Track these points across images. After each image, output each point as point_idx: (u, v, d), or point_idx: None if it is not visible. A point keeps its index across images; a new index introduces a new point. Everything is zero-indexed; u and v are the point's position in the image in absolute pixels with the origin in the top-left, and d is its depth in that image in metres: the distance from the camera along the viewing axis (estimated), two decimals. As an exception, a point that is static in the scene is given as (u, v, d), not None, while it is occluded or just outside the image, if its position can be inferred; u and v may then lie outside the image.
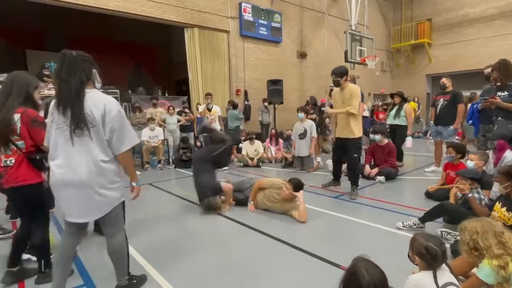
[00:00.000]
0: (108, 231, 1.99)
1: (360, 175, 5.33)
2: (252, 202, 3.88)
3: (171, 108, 7.88)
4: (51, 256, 2.35)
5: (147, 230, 3.33)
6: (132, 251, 2.79)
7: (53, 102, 1.83)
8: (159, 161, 7.15)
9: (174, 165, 7.12)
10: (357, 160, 4.42)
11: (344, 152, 4.43)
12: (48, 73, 7.32)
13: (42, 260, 2.30)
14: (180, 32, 9.70)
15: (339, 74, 4.15)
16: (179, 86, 13.55)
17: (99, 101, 1.79)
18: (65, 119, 1.75)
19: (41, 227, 2.28)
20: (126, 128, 1.87)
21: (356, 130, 4.18)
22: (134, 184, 2.05)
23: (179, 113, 8.18)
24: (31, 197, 2.15)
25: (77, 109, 1.73)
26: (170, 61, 14.62)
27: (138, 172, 6.45)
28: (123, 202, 2.02)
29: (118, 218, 1.98)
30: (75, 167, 1.76)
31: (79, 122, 1.72)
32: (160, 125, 7.57)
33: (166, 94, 10.74)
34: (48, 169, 2.35)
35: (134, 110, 8.09)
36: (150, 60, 14.54)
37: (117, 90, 9.20)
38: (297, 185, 3.53)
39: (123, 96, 9.45)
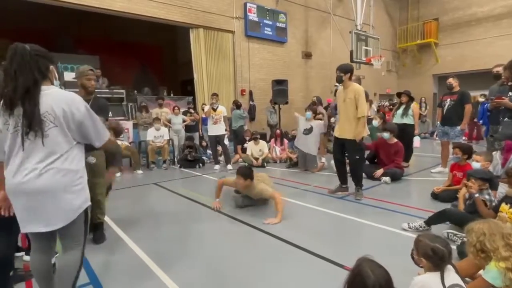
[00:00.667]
0: (64, 244, 1.77)
1: (365, 175, 5.33)
2: (217, 199, 3.97)
3: (176, 108, 7.91)
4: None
5: (152, 229, 3.35)
6: (137, 250, 2.82)
7: (1, 103, 1.62)
8: (164, 161, 7.18)
9: (179, 165, 7.15)
10: (360, 162, 4.35)
11: (343, 152, 4.37)
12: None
13: None
14: (185, 33, 9.73)
15: (343, 70, 4.10)
16: (184, 87, 13.59)
17: (61, 98, 1.63)
18: (18, 121, 1.57)
19: (5, 241, 1.99)
20: (97, 122, 1.77)
21: (356, 131, 4.06)
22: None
23: (184, 113, 8.22)
24: None
25: (28, 110, 1.54)
26: (175, 62, 14.68)
27: (139, 172, 6.54)
28: (86, 216, 1.80)
29: (77, 230, 1.76)
30: (34, 171, 1.57)
31: (32, 124, 1.54)
32: (166, 125, 7.61)
33: (172, 95, 10.79)
34: None
35: (140, 110, 8.15)
36: (156, 61, 14.61)
37: (123, 90, 9.29)
38: (244, 173, 3.63)
39: (129, 96, 9.53)
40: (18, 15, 9.77)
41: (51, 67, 1.72)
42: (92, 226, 2.97)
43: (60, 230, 1.70)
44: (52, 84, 1.72)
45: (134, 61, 13.81)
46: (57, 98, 1.62)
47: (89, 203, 1.80)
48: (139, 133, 7.89)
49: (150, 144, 7.04)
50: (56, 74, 1.78)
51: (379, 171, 5.13)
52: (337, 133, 4.33)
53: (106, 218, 3.68)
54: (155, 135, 7.12)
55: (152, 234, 3.23)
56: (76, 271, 1.78)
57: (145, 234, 3.22)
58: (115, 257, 2.71)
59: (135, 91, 10.42)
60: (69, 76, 8.46)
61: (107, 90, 8.96)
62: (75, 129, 1.67)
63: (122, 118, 8.56)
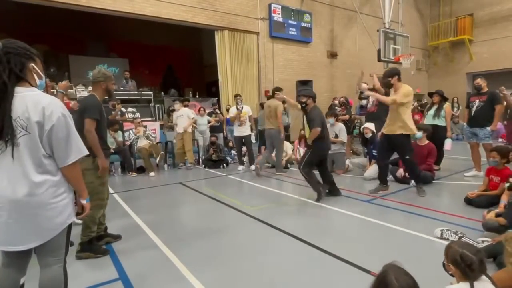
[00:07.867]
0: (41, 261, 1.58)
1: (393, 178, 5.16)
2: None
3: (201, 109, 8.06)
4: None
5: (178, 227, 3.44)
6: (164, 248, 2.89)
7: None
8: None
9: (203, 165, 7.27)
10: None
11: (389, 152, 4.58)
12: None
13: None
14: (211, 35, 9.90)
15: (389, 75, 4.28)
16: (209, 88, 13.84)
17: (37, 103, 1.43)
18: None
19: None
20: (72, 136, 1.52)
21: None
22: (83, 201, 1.68)
23: (209, 114, 8.35)
24: None
25: None
26: (201, 64, 14.98)
27: (165, 166, 6.71)
28: (70, 227, 1.62)
29: (58, 247, 1.58)
30: (4, 185, 1.42)
31: (2, 133, 1.38)
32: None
33: (197, 96, 11.00)
34: None
35: (168, 114, 8.38)
36: (182, 63, 14.98)
37: (151, 92, 9.61)
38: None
39: (156, 98, 9.84)
40: (57, 22, 10.38)
41: (31, 65, 1.50)
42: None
43: (39, 246, 1.52)
44: (32, 85, 1.50)
45: (161, 64, 14.24)
46: (32, 102, 1.42)
47: (74, 218, 1.63)
48: (164, 133, 8.12)
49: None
50: (40, 72, 1.55)
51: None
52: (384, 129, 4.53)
53: (135, 217, 3.83)
54: (181, 136, 7.28)
55: (178, 233, 3.29)
56: None
57: (171, 232, 3.29)
58: (142, 254, 2.80)
59: (162, 93, 10.73)
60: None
61: (136, 92, 9.29)
62: (44, 140, 1.46)
63: (150, 119, 8.85)
